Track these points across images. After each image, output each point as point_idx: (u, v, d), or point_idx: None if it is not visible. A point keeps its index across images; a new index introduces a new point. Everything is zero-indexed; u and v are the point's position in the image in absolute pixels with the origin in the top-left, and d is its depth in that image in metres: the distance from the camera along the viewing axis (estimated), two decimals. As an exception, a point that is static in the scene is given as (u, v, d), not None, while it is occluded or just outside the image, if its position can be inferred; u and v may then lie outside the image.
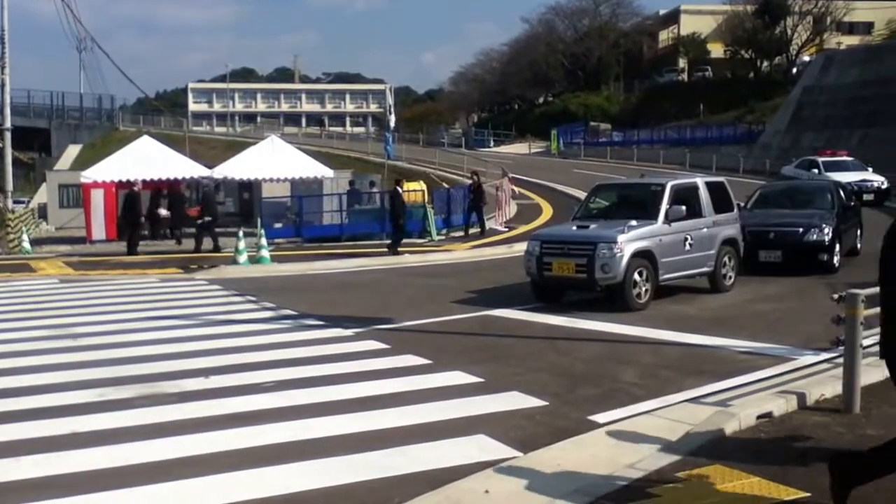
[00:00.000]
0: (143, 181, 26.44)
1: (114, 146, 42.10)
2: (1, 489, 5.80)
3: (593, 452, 6.09)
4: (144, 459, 6.26)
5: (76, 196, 32.68)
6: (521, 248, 17.83)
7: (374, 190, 29.44)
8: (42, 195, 45.35)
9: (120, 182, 27.04)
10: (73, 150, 68.61)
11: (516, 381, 8.24)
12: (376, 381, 8.36)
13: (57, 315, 12.96)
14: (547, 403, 7.47)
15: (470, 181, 26.87)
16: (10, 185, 37.38)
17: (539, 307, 12.73)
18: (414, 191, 27.76)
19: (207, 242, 22.73)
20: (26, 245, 25.65)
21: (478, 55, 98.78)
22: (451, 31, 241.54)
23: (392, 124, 29.94)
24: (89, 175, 27.12)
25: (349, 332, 11.09)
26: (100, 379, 8.72)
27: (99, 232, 27.02)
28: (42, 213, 38.48)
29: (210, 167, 28.67)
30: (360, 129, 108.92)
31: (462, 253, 21.31)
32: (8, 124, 37.50)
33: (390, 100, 31.31)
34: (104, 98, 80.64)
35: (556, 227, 16.29)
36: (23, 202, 47.74)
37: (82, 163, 51.01)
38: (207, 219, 22.97)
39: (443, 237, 25.04)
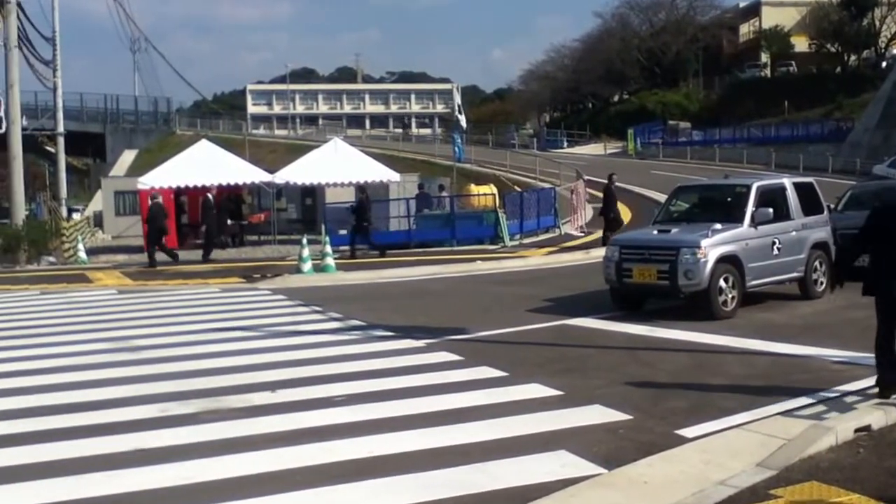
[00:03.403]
0: (203, 187, 27.09)
1: (171, 151, 43.01)
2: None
3: (682, 469, 6.10)
4: (213, 477, 6.35)
5: (133, 203, 33.43)
6: (598, 253, 17.86)
7: (444, 194, 29.59)
8: (97, 202, 46.38)
9: (178, 188, 27.71)
10: (128, 156, 70.11)
11: (598, 394, 8.27)
12: (451, 395, 8.45)
13: (116, 327, 13.27)
14: (631, 417, 7.48)
15: (358, 196, 24.21)
16: (64, 192, 38.40)
17: (619, 315, 12.74)
18: (484, 194, 27.94)
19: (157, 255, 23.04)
20: (82, 255, 26.19)
21: (548, 52, 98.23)
22: (519, 27, 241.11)
23: (464, 124, 30.09)
24: (146, 181, 27.48)
25: (421, 343, 11.21)
26: (163, 393, 8.89)
27: (158, 240, 27.67)
28: (98, 221, 39.39)
29: (271, 172, 29.18)
30: (427, 131, 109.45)
31: (537, 259, 21.37)
32: (61, 129, 38.42)
33: (458, 99, 31.57)
34: (160, 101, 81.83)
35: (635, 231, 16.26)
36: (78, 210, 49.12)
37: (138, 168, 52.31)
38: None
39: (516, 243, 25.09)
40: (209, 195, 25.25)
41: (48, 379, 9.79)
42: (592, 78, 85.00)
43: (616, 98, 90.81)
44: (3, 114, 24.72)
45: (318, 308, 14.66)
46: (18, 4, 27.95)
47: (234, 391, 8.94)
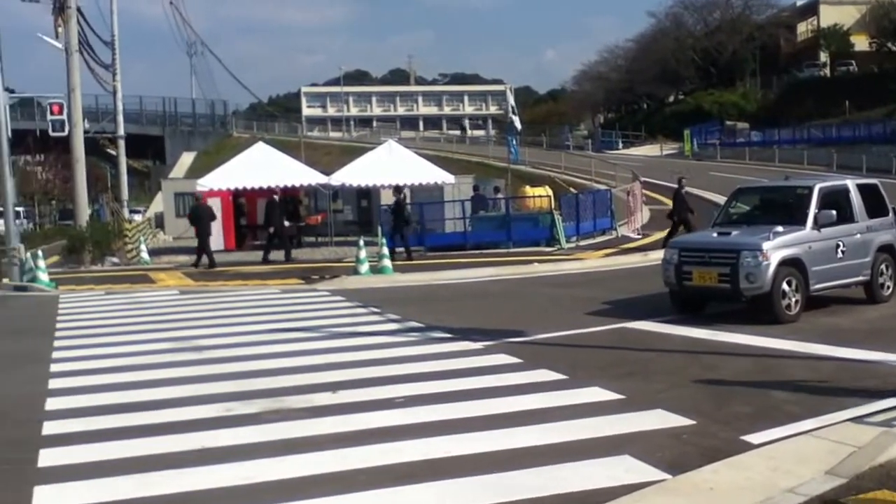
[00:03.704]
0: (261, 189, 27.44)
1: (228, 153, 43.59)
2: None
3: (748, 475, 6.01)
4: (276, 477, 6.42)
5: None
6: (656, 256, 17.73)
7: (499, 196, 29.56)
8: (158, 204, 47.25)
9: (236, 190, 28.09)
10: (187, 158, 71.28)
11: (660, 398, 8.20)
12: (511, 398, 8.43)
13: (179, 327, 13.57)
14: (694, 422, 7.39)
15: (395, 197, 24.44)
16: (125, 194, 39.18)
17: (679, 319, 12.62)
18: (540, 196, 27.85)
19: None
20: (145, 255, 26.77)
21: (602, 52, 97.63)
22: (572, 28, 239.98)
23: (518, 126, 29.99)
24: (205, 183, 27.88)
25: (479, 345, 11.22)
26: (226, 393, 9.04)
27: (217, 241, 28.06)
28: (159, 222, 40.06)
29: (326, 174, 29.41)
30: (480, 132, 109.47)
31: (594, 262, 21.26)
32: (121, 132, 39.21)
33: (511, 100, 31.43)
34: (217, 104, 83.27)
35: (695, 233, 16.12)
36: (139, 211, 50.08)
37: (197, 170, 53.14)
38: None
39: (573, 245, 24.99)
40: (275, 196, 25.59)
41: (113, 378, 10.02)
42: (647, 78, 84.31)
43: (671, 98, 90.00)
44: (65, 117, 25.30)
45: (376, 309, 14.78)
46: (78, 9, 28.54)
47: (296, 391, 9.04)
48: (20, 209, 37.50)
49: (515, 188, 32.54)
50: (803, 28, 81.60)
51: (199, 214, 24.14)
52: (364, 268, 19.60)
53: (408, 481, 6.23)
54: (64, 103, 27.39)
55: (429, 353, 10.90)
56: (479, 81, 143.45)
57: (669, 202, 35.49)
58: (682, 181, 23.94)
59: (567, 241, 24.85)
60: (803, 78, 72.78)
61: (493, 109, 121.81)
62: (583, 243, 25.58)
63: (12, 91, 25.91)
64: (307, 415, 8.15)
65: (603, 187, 34.09)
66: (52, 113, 24.89)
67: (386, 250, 20.42)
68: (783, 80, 75.32)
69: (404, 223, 23.28)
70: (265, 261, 23.91)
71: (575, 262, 21.20)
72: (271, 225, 24.73)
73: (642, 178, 34.27)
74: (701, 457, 6.46)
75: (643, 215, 30.60)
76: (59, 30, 27.64)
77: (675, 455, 6.58)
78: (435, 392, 8.79)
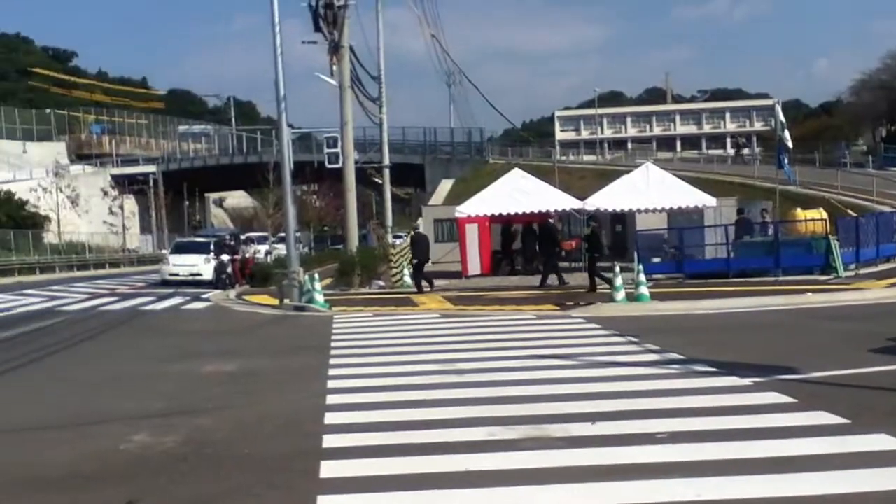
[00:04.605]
0: (515, 214, 28.02)
1: (484, 179, 44.79)
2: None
3: None
4: None
5: (450, 230, 35.29)
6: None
7: (767, 219, 28.33)
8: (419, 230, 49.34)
9: (492, 216, 28.83)
10: (445, 185, 73.85)
11: (962, 450, 7.41)
12: (784, 440, 7.93)
13: (441, 350, 14.09)
14: None
15: (591, 225, 24.24)
16: (390, 220, 41.34)
17: (984, 361, 11.37)
18: (813, 220, 26.42)
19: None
20: (407, 279, 28.23)
21: (884, 59, 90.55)
22: (848, 33, 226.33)
23: (790, 143, 28.56)
24: (463, 210, 29.09)
25: (746, 381, 10.69)
26: (488, 417, 9.18)
27: (474, 266, 28.92)
28: (419, 247, 41.85)
29: (580, 198, 29.48)
30: (745, 150, 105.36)
31: (877, 292, 19.79)
32: (386, 161, 41.49)
33: (780, 115, 30.00)
34: (473, 131, 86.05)
35: None
36: (401, 237, 52.66)
37: (454, 197, 54.97)
38: (415, 261, 25.07)
39: (852, 273, 23.45)
40: (550, 220, 26.20)
41: (385, 396, 10.55)
42: (940, 85, 77.42)
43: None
44: (339, 150, 27.20)
45: (633, 339, 14.53)
46: (350, 48, 30.53)
47: (554, 420, 9.01)
48: (298, 234, 40.53)
49: (784, 211, 31.00)
50: None
51: (415, 242, 25.85)
52: (620, 295, 19.38)
53: (671, 524, 6.03)
54: (338, 136, 29.47)
55: (692, 387, 10.53)
56: (742, 96, 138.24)
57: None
58: None
59: (845, 269, 23.35)
60: None
61: (758, 126, 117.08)
62: (863, 271, 23.94)
63: (293, 127, 28.13)
64: (565, 444, 8.10)
65: (887, 209, 31.69)
66: (328, 146, 26.89)
67: (643, 277, 20.06)
68: None
69: (599, 254, 22.87)
70: (542, 285, 24.31)
71: (854, 292, 19.82)
72: (548, 248, 25.26)
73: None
74: None
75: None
76: (334, 68, 29.65)
77: (983, 517, 5.91)
78: (699, 429, 8.44)
